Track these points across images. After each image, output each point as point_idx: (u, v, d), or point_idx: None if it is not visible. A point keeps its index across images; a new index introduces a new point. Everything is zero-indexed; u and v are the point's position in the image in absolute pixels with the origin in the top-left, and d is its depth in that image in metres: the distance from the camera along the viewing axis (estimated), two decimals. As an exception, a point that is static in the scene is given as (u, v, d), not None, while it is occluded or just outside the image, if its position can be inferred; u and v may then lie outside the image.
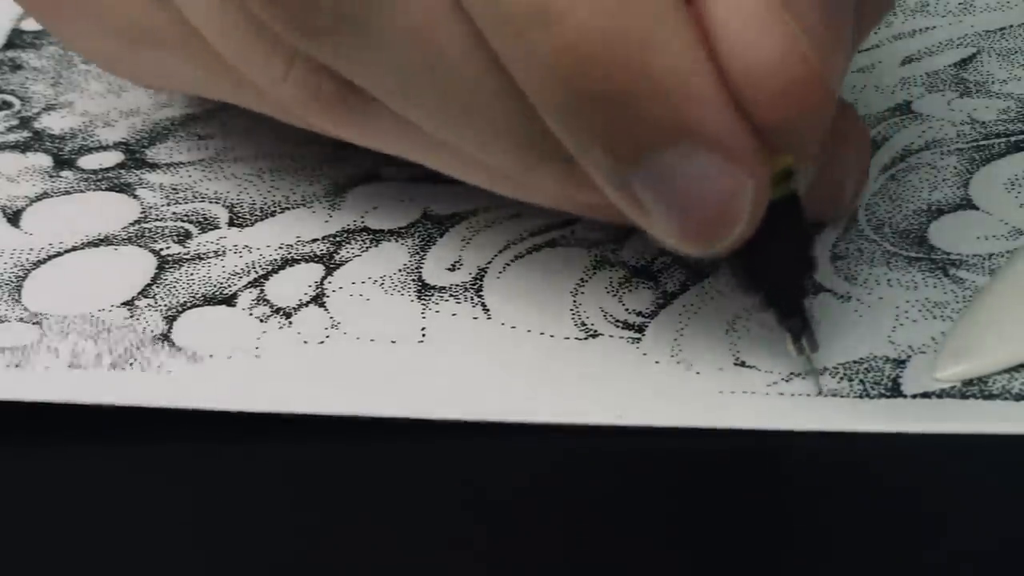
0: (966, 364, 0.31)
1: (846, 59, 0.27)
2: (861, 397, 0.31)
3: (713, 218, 0.27)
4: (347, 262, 0.36)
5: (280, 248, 0.36)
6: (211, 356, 0.33)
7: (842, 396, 0.31)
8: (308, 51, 0.30)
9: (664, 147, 0.26)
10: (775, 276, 0.30)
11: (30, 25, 0.46)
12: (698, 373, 0.32)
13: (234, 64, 0.32)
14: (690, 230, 0.27)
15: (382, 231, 0.36)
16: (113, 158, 0.40)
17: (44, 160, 0.40)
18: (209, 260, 0.36)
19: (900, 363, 0.32)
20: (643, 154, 0.26)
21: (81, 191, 0.39)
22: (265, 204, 0.38)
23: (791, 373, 0.32)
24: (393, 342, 0.33)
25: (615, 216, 0.31)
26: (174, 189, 0.39)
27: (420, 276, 0.35)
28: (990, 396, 0.31)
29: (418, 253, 0.36)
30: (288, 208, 0.38)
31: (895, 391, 0.31)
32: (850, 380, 0.31)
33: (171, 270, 0.36)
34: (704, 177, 0.26)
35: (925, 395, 0.31)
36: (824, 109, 0.27)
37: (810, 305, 0.31)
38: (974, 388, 0.31)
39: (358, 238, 0.36)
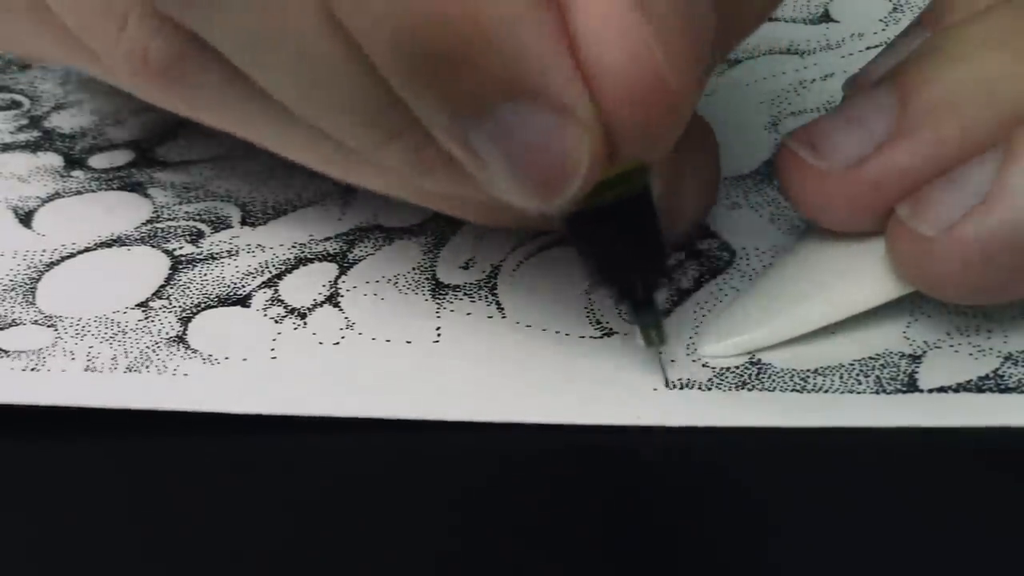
0: (729, 340, 0.32)
1: (703, 68, 0.27)
2: (877, 393, 0.31)
3: (550, 173, 0.27)
4: (360, 261, 0.36)
5: (293, 247, 0.36)
6: (227, 358, 0.33)
7: (858, 393, 0.31)
8: (158, 3, 0.30)
9: (501, 102, 0.26)
10: (629, 270, 0.30)
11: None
12: (714, 371, 0.32)
13: (73, 29, 0.32)
14: (528, 184, 0.27)
15: (395, 229, 0.36)
16: (124, 157, 0.40)
17: (55, 160, 0.40)
18: (222, 260, 0.36)
19: (916, 359, 0.32)
20: (481, 109, 0.26)
21: (92, 191, 0.39)
22: (277, 202, 0.38)
23: (806, 370, 0.32)
24: (408, 342, 0.33)
25: (459, 209, 0.32)
26: (185, 188, 0.39)
27: (434, 275, 0.35)
28: (1006, 390, 0.31)
29: (432, 251, 0.36)
30: (300, 206, 0.38)
31: (911, 386, 0.31)
32: (866, 376, 0.31)
33: (185, 270, 0.36)
34: (541, 132, 0.26)
35: (942, 390, 0.31)
36: (671, 115, 0.27)
37: (658, 298, 0.32)
38: (990, 382, 0.31)
39: (371, 236, 0.36)
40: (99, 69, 0.34)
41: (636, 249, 0.30)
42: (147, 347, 0.33)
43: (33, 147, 0.41)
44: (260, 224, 0.37)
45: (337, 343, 0.33)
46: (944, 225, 0.30)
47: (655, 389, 0.31)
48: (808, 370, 0.32)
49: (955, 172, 0.31)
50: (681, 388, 0.31)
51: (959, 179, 0.30)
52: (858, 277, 0.32)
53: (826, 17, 0.44)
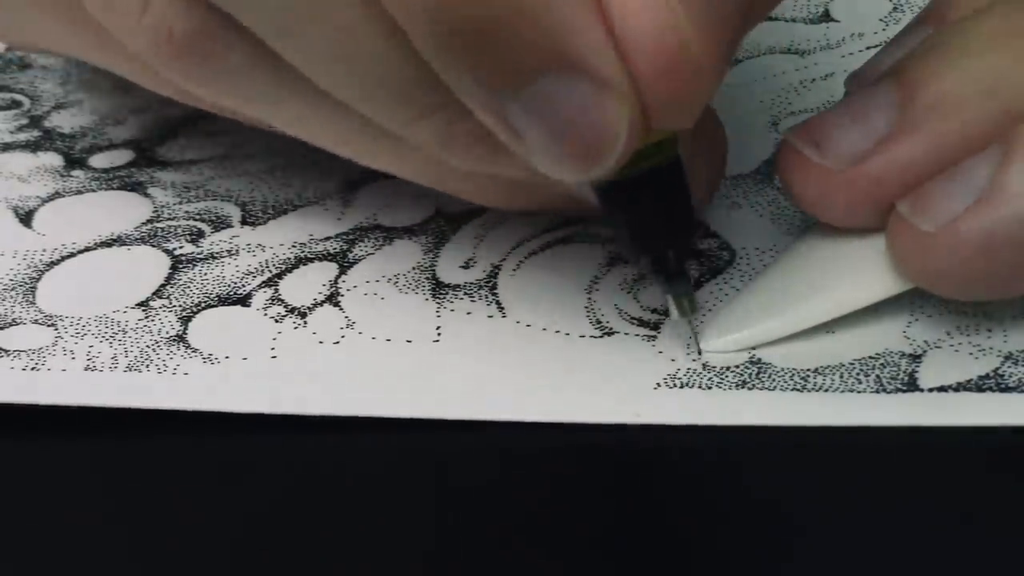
0: (729, 336, 0.32)
1: (731, 40, 0.28)
2: (877, 392, 0.31)
3: (589, 143, 0.27)
4: (361, 260, 0.36)
5: (294, 246, 0.36)
6: (227, 357, 0.33)
7: (858, 392, 0.31)
8: None
9: (540, 74, 0.26)
10: (661, 239, 0.31)
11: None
12: (715, 370, 0.32)
13: (92, 10, 0.32)
14: (566, 156, 0.27)
15: (395, 228, 0.36)
16: (124, 156, 0.40)
17: (55, 159, 0.40)
18: (223, 259, 0.36)
19: (916, 358, 0.32)
20: (520, 81, 0.26)
21: (93, 190, 0.39)
22: (277, 201, 0.38)
23: (806, 369, 0.32)
24: (409, 341, 0.33)
25: (478, 191, 0.32)
26: (186, 187, 0.39)
27: (434, 274, 0.35)
28: (1007, 389, 0.31)
29: (432, 251, 0.36)
30: (300, 205, 0.38)
31: (911, 386, 0.31)
32: (867, 375, 0.31)
33: (185, 270, 0.36)
34: (579, 103, 0.27)
35: (942, 389, 0.31)
36: (696, 84, 0.27)
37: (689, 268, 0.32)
38: (990, 381, 0.31)
39: (371, 236, 0.36)
40: (113, 57, 0.34)
41: (668, 218, 0.30)
42: (147, 346, 0.33)
43: (33, 147, 0.41)
44: (260, 224, 0.37)
45: (337, 342, 0.33)
46: (945, 221, 0.30)
47: (655, 388, 0.31)
48: (808, 369, 0.32)
49: (956, 168, 0.31)
50: (681, 387, 0.31)
51: (960, 175, 0.31)
52: (859, 274, 0.32)
53: (826, 17, 0.44)
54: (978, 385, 0.31)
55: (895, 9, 0.45)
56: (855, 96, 0.33)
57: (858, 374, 0.31)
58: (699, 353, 0.32)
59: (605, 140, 0.27)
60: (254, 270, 0.36)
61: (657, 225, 0.31)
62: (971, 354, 0.32)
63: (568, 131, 0.27)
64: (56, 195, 0.39)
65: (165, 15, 0.31)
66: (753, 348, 0.32)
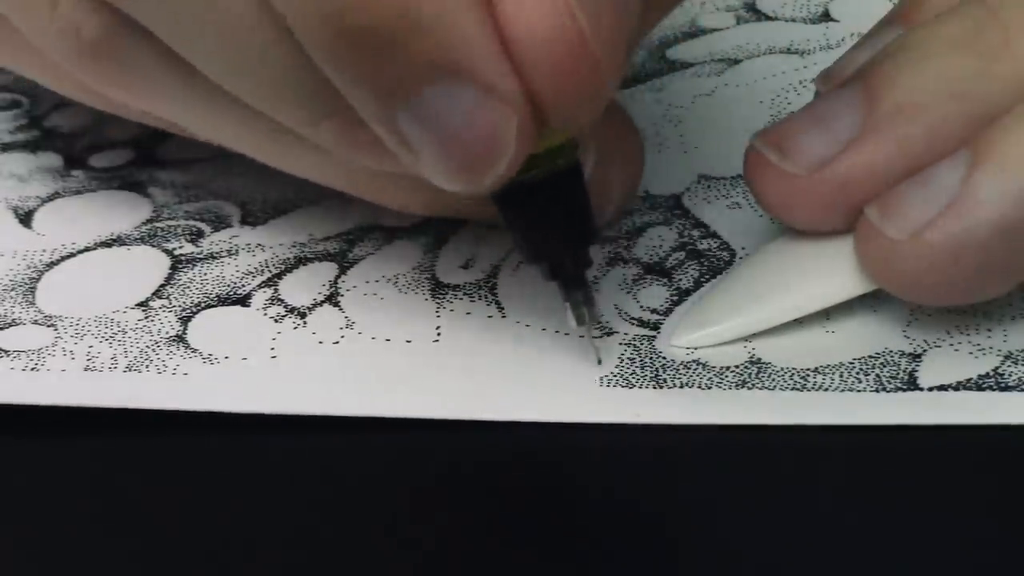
0: (699, 332, 0.33)
1: (628, 34, 0.27)
2: (877, 391, 0.31)
3: (477, 154, 0.27)
4: (360, 260, 0.36)
5: (293, 246, 0.36)
6: (227, 357, 0.33)
7: (858, 391, 0.31)
8: None
9: (427, 84, 0.26)
10: (559, 246, 0.31)
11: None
12: (714, 369, 0.32)
13: (3, 9, 0.32)
14: (455, 166, 0.27)
15: (395, 228, 0.36)
16: (123, 156, 0.40)
17: (54, 159, 0.40)
18: (222, 259, 0.36)
19: (916, 357, 0.32)
20: (408, 91, 0.26)
21: (92, 190, 0.39)
22: (277, 201, 0.38)
23: (806, 369, 0.32)
24: (408, 341, 0.33)
25: (390, 195, 0.32)
26: (185, 187, 0.39)
27: (434, 274, 0.35)
28: (1006, 388, 0.31)
29: (431, 251, 0.36)
30: (300, 205, 0.38)
31: (911, 385, 0.31)
32: (866, 374, 0.31)
33: (185, 270, 0.36)
34: (468, 114, 0.26)
35: (942, 388, 0.31)
36: (595, 84, 0.27)
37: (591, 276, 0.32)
38: (990, 381, 0.31)
39: (371, 236, 0.36)
40: (29, 61, 0.34)
41: (566, 225, 0.30)
42: (147, 347, 0.33)
43: (33, 146, 0.41)
44: (260, 223, 0.37)
45: (337, 342, 0.33)
46: (912, 228, 0.30)
47: (655, 388, 0.31)
48: (808, 369, 0.32)
49: (923, 174, 0.31)
50: (681, 387, 0.31)
51: (927, 181, 0.30)
52: (826, 272, 0.32)
53: (826, 17, 0.44)
54: (978, 384, 0.31)
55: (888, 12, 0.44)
56: (820, 100, 0.33)
57: (858, 373, 0.31)
58: (599, 363, 0.32)
59: (493, 150, 0.27)
60: (254, 270, 0.35)
61: (555, 231, 0.30)
62: (971, 353, 0.32)
63: (455, 141, 0.27)
64: (56, 195, 0.39)
65: (73, 17, 0.31)
66: (723, 344, 0.32)
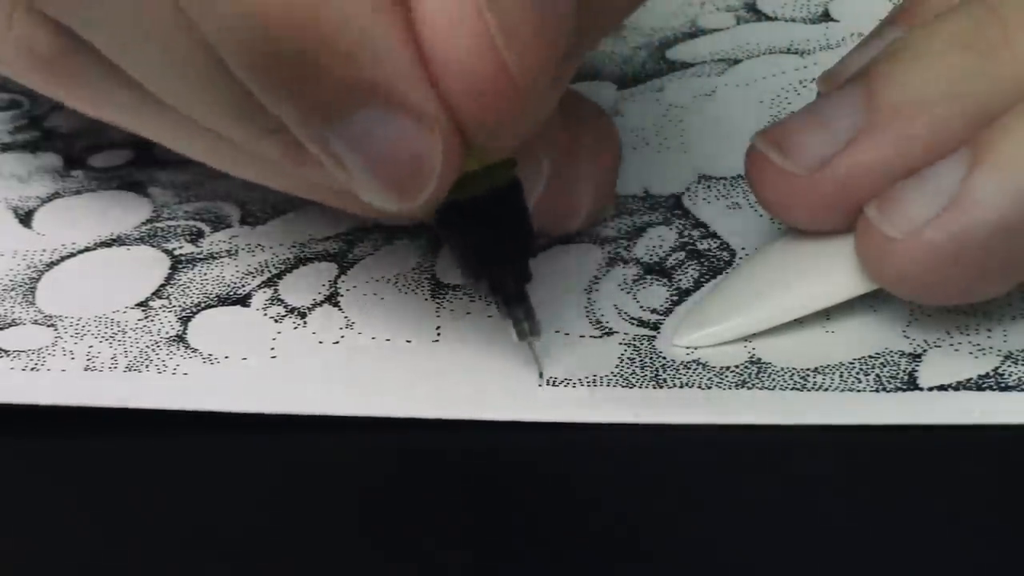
0: (699, 332, 0.33)
1: (555, 60, 0.27)
2: (877, 391, 0.31)
3: (405, 176, 0.27)
4: (360, 260, 0.36)
5: (293, 246, 0.36)
6: (226, 357, 0.33)
7: (858, 391, 0.31)
8: None
9: (352, 107, 0.26)
10: (498, 262, 0.31)
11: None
12: (714, 369, 0.32)
13: None
14: (384, 187, 0.27)
15: (394, 229, 0.36)
16: (123, 156, 0.40)
17: (54, 159, 0.40)
18: (222, 259, 0.36)
19: (916, 357, 0.32)
20: (336, 114, 0.26)
21: (92, 190, 0.39)
22: (277, 201, 0.38)
23: (806, 369, 0.32)
24: (408, 341, 0.33)
25: (346, 202, 0.31)
26: (185, 187, 0.39)
27: (434, 274, 0.35)
28: (1006, 388, 0.31)
29: (431, 251, 0.36)
30: (300, 205, 0.38)
31: (911, 385, 0.31)
32: (866, 374, 0.31)
33: (184, 270, 0.36)
34: (393, 137, 0.27)
35: (942, 388, 0.31)
36: (517, 108, 0.27)
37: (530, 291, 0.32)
38: (990, 380, 0.31)
39: (371, 236, 0.36)
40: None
41: (505, 241, 0.30)
42: (147, 346, 0.33)
43: (32, 147, 0.41)
44: (260, 223, 0.37)
45: (337, 342, 0.33)
46: (911, 227, 0.30)
47: (654, 388, 0.31)
48: (808, 368, 0.32)
49: (923, 173, 0.31)
50: (681, 387, 0.31)
51: (927, 180, 0.31)
52: (826, 272, 0.32)
53: (826, 17, 0.44)
54: (978, 384, 0.31)
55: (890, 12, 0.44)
56: (821, 99, 0.33)
57: (858, 373, 0.31)
58: (540, 377, 0.32)
59: (420, 171, 0.27)
60: (254, 270, 0.35)
61: (493, 248, 0.30)
62: (971, 353, 0.32)
63: (383, 162, 0.27)
64: (55, 195, 0.39)
65: (26, 32, 0.31)
66: (723, 344, 0.32)
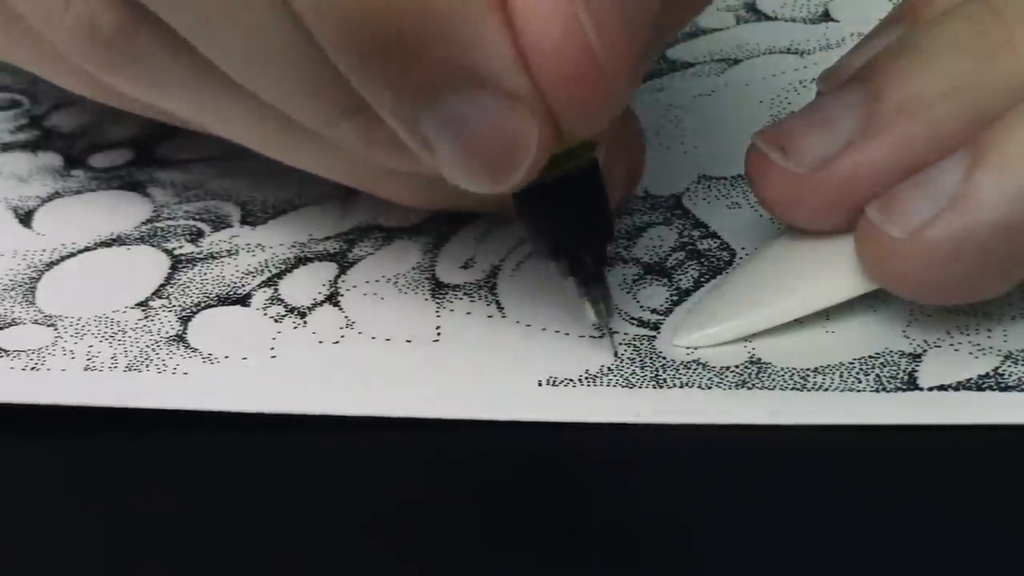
0: (700, 332, 0.33)
1: (641, 46, 0.27)
2: (877, 391, 0.31)
3: (499, 158, 0.27)
4: (360, 260, 0.36)
5: (293, 246, 0.36)
6: (226, 357, 0.33)
7: (858, 391, 0.31)
8: None
9: (449, 89, 0.26)
10: (576, 244, 0.31)
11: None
12: (714, 369, 0.32)
13: (15, 6, 0.32)
14: (477, 169, 0.27)
15: (394, 229, 0.36)
16: (123, 156, 0.40)
17: (55, 159, 0.40)
18: (222, 259, 0.36)
19: (916, 357, 0.32)
20: (431, 96, 0.27)
21: (92, 190, 0.39)
22: (277, 201, 0.38)
23: (806, 369, 0.32)
24: (408, 341, 0.33)
25: (399, 191, 0.32)
26: (185, 187, 0.39)
27: (434, 274, 0.35)
28: (1006, 388, 0.31)
29: (431, 251, 0.36)
30: (300, 205, 0.38)
31: (911, 385, 0.31)
32: (866, 374, 0.31)
33: (184, 270, 0.36)
34: (488, 118, 0.27)
35: (942, 388, 0.31)
36: (604, 92, 0.27)
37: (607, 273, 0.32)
38: (990, 381, 0.31)
39: (371, 236, 0.36)
40: (29, 53, 0.34)
41: (585, 223, 0.31)
42: (147, 346, 0.33)
43: (33, 146, 0.41)
44: (260, 223, 0.37)
45: (337, 342, 0.33)
46: (912, 227, 0.30)
47: (654, 388, 0.31)
48: (808, 368, 0.32)
49: (924, 173, 0.31)
50: (681, 387, 0.31)
51: (927, 180, 0.31)
52: (826, 273, 0.32)
53: (826, 17, 0.44)
54: (978, 384, 0.31)
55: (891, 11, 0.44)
56: (822, 99, 0.33)
57: (858, 373, 0.31)
58: (615, 356, 0.32)
59: (514, 154, 0.27)
60: (254, 270, 0.36)
61: (573, 230, 0.31)
62: (971, 353, 0.32)
63: (478, 145, 0.27)
64: (56, 195, 0.39)
65: (89, 10, 0.31)
66: (722, 344, 0.32)
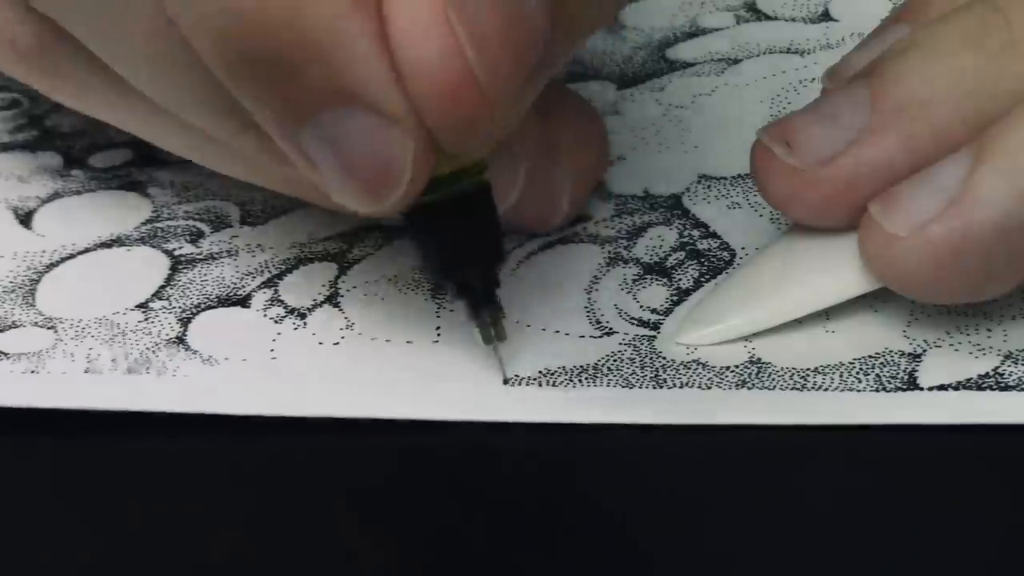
0: (701, 331, 0.33)
1: (525, 68, 0.27)
2: (877, 391, 0.31)
3: (376, 177, 0.27)
4: (360, 260, 0.36)
5: (293, 247, 0.36)
6: (226, 359, 0.33)
7: (858, 391, 0.31)
8: None
9: (325, 107, 0.26)
10: (466, 265, 0.31)
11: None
12: (714, 369, 0.32)
13: None
14: (355, 187, 0.28)
15: (394, 228, 0.36)
16: (123, 156, 0.40)
17: (54, 159, 0.40)
18: (222, 260, 0.36)
19: (916, 357, 0.32)
20: (304, 115, 0.27)
21: (92, 190, 0.39)
22: (277, 202, 0.38)
23: (806, 369, 0.32)
24: (409, 342, 0.33)
25: (316, 197, 0.32)
26: (185, 187, 0.39)
27: (434, 274, 0.35)
28: (1007, 388, 0.31)
29: (431, 251, 0.36)
30: (300, 205, 0.38)
31: (911, 384, 0.31)
32: (866, 374, 0.31)
33: (184, 271, 0.36)
34: (365, 138, 0.27)
35: (942, 388, 0.31)
36: (483, 114, 0.27)
37: (498, 295, 0.32)
38: (990, 380, 0.31)
39: (371, 235, 0.36)
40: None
41: (474, 244, 0.30)
42: (147, 348, 0.33)
43: (32, 146, 0.41)
44: (260, 223, 0.37)
45: (337, 343, 0.33)
46: (915, 225, 0.30)
47: (654, 388, 0.31)
48: (808, 369, 0.32)
49: (927, 171, 0.31)
50: (681, 387, 0.31)
51: (931, 178, 0.31)
52: (828, 272, 0.32)
53: (826, 16, 0.44)
54: (978, 384, 0.31)
55: (895, 9, 0.44)
56: (827, 95, 0.33)
57: (858, 373, 0.31)
58: (505, 383, 0.32)
59: (391, 174, 0.27)
60: (253, 271, 0.35)
61: (461, 251, 0.30)
62: (971, 353, 0.32)
63: (355, 164, 0.27)
64: (55, 195, 0.39)
65: (7, 25, 0.32)
66: (724, 342, 0.32)
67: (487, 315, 0.31)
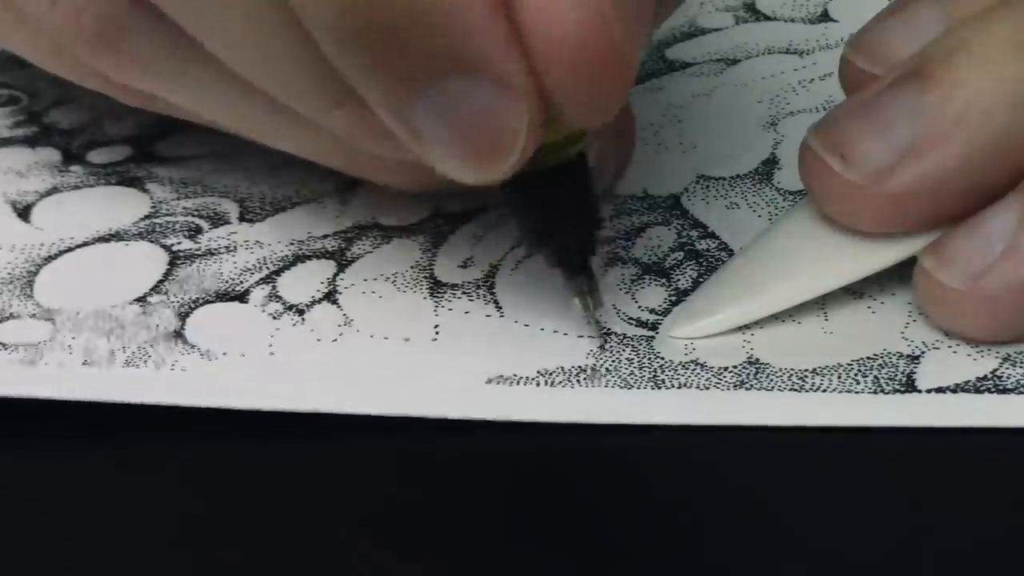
0: (696, 323, 0.33)
1: (645, 36, 0.27)
2: (875, 393, 0.31)
3: (488, 147, 0.27)
4: (359, 258, 0.36)
5: (292, 243, 0.36)
6: (224, 354, 0.33)
7: (856, 393, 0.31)
8: None
9: (439, 78, 0.26)
10: (563, 235, 0.31)
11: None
12: (712, 370, 0.32)
13: None
14: (465, 157, 0.27)
15: (393, 227, 0.36)
16: (122, 152, 0.40)
17: (53, 155, 0.40)
18: (221, 256, 0.36)
19: (914, 359, 0.32)
20: (420, 84, 0.26)
21: (91, 186, 0.39)
22: (275, 198, 0.38)
23: (804, 370, 0.32)
24: (406, 340, 0.33)
25: (391, 175, 0.32)
26: (184, 183, 0.39)
27: (432, 273, 0.35)
28: (1005, 391, 0.31)
29: (430, 250, 0.36)
30: (299, 202, 0.38)
31: (910, 387, 0.31)
32: (864, 376, 0.31)
33: (183, 266, 0.36)
34: (480, 107, 0.27)
35: (940, 390, 0.31)
36: (619, 82, 0.27)
37: (595, 264, 0.32)
38: (989, 383, 0.31)
39: (369, 234, 0.36)
40: (36, 46, 0.34)
41: (572, 213, 0.31)
42: (145, 342, 0.33)
43: (31, 142, 0.41)
44: (258, 220, 0.37)
45: (335, 340, 0.33)
46: (970, 277, 0.30)
47: (653, 388, 0.31)
48: (806, 370, 0.32)
49: (976, 219, 0.31)
50: (679, 387, 0.31)
51: (980, 227, 0.31)
52: (821, 260, 0.32)
53: (825, 17, 0.44)
54: (976, 386, 0.31)
55: (894, 10, 0.44)
56: (876, 97, 0.32)
57: (856, 375, 0.31)
58: (602, 349, 0.32)
59: (504, 143, 0.27)
60: (252, 267, 0.35)
61: (559, 219, 0.31)
62: (969, 355, 0.32)
63: (466, 132, 0.27)
64: (54, 190, 0.39)
65: (75, 1, 0.31)
66: (720, 333, 0.32)
67: (584, 283, 0.32)
